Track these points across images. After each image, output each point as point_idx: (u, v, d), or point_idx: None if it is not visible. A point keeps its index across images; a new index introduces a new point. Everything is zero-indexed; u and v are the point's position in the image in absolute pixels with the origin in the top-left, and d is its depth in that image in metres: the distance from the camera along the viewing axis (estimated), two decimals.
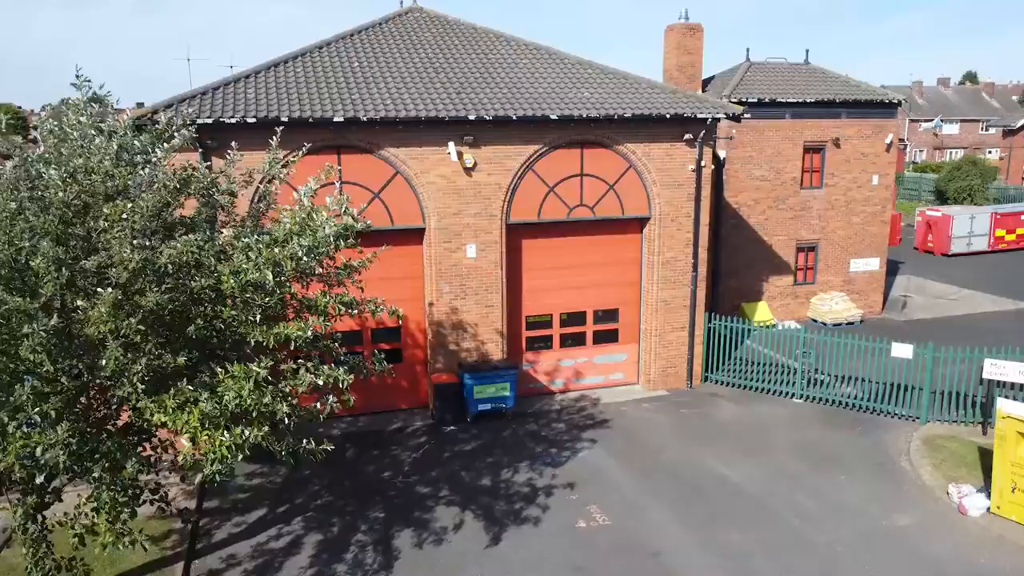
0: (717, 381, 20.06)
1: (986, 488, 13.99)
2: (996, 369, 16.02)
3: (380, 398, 18.27)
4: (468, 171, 17.15)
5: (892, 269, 31.30)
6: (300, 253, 9.33)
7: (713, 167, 20.41)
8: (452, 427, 17.42)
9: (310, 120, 15.55)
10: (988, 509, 13.59)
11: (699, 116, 18.01)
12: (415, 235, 17.57)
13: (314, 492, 14.93)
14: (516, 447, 16.49)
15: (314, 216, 9.97)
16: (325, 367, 9.75)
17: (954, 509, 13.87)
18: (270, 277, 8.83)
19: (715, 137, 20.11)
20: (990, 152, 59.18)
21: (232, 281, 8.70)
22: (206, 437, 8.12)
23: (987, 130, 61.26)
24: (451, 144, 16.79)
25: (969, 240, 35.59)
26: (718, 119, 18.22)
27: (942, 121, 60.69)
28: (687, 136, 18.26)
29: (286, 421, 8.78)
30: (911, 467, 15.60)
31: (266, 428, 8.54)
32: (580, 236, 18.77)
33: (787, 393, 19.25)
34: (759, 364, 20.59)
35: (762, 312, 24.71)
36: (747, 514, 13.88)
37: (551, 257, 18.71)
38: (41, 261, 8.07)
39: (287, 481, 15.33)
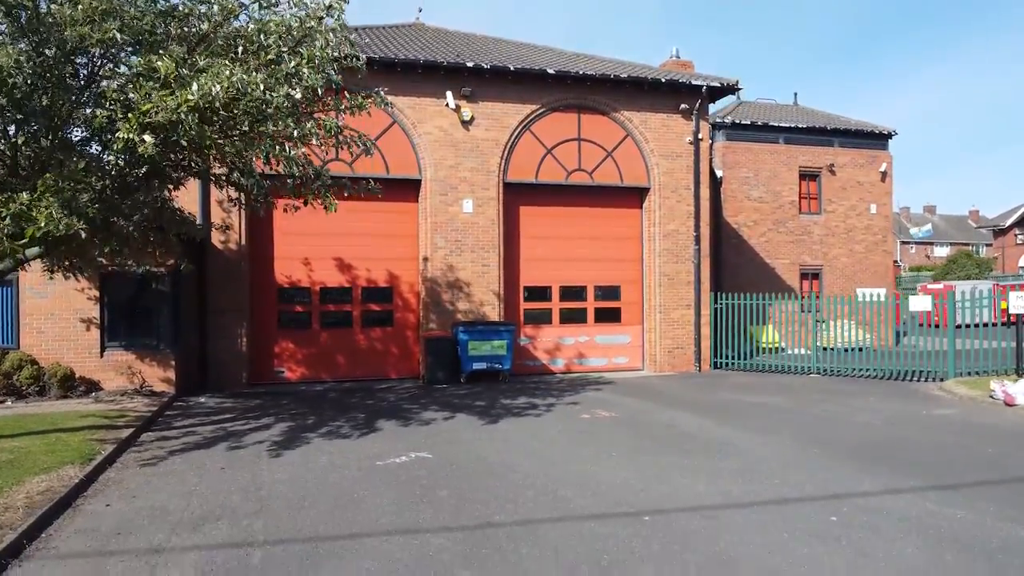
0: (728, 365, 18.86)
1: None
2: (1022, 302, 15.12)
3: (368, 365, 17.07)
4: (466, 124, 17.12)
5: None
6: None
7: (711, 182, 20.44)
8: (444, 385, 16.10)
9: None
10: None
11: (694, 83, 18.29)
12: (411, 188, 17.22)
13: (290, 407, 13.57)
14: (515, 393, 15.17)
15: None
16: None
17: (999, 402, 12.52)
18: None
19: (712, 141, 20.37)
20: (981, 251, 59.96)
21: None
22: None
23: (979, 229, 62.37)
24: (449, 94, 16.89)
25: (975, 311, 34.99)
26: (713, 87, 18.47)
27: (929, 233, 61.99)
28: (683, 107, 18.42)
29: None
30: (945, 392, 14.30)
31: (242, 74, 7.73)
32: (579, 207, 18.39)
33: (804, 368, 18.09)
34: (773, 349, 19.60)
35: (769, 335, 23.73)
36: (773, 417, 12.56)
37: (550, 226, 18.22)
38: None
39: (261, 405, 14.00)
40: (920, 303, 16.74)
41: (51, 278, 12.97)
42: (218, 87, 7.57)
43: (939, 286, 35.94)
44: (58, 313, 13.85)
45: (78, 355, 13.88)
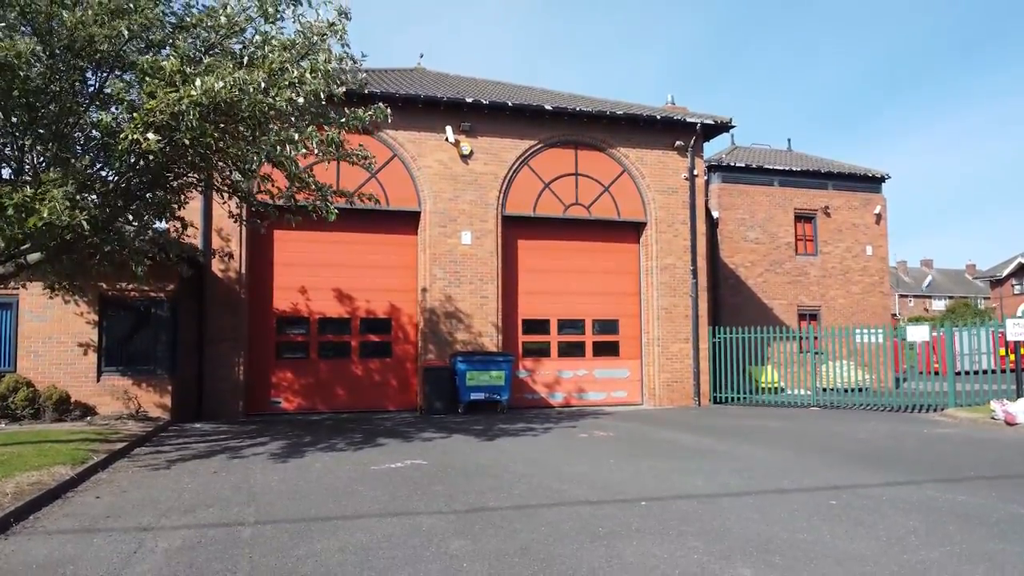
0: (728, 400, 18.73)
1: None
2: (1020, 328, 15.14)
3: (366, 396, 16.96)
4: (465, 158, 17.42)
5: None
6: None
7: (707, 224, 20.69)
8: (442, 415, 15.97)
9: None
10: None
11: (688, 120, 18.69)
12: (410, 220, 17.41)
13: (286, 430, 13.47)
14: (513, 420, 15.05)
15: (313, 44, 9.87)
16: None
17: (1000, 421, 12.42)
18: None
19: (708, 181, 20.69)
20: (980, 304, 59.92)
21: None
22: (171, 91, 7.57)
23: (976, 280, 62.42)
24: (449, 128, 17.24)
25: (975, 357, 34.89)
26: (708, 125, 18.86)
27: (928, 290, 62.15)
28: (678, 143, 18.78)
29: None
30: (946, 417, 14.19)
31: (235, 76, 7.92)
32: (577, 241, 18.55)
33: (804, 403, 17.99)
34: (773, 388, 19.51)
35: (769, 375, 23.63)
36: (772, 435, 12.46)
37: (547, 259, 18.34)
38: None
39: (258, 429, 13.90)
40: (918, 333, 16.74)
41: (51, 297, 13.04)
42: (221, 83, 7.78)
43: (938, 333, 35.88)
44: (56, 337, 13.85)
45: (75, 379, 13.82)
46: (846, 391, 23.53)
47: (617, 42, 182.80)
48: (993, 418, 12.69)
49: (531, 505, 6.76)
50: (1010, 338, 15.24)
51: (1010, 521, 5.93)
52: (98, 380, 13.99)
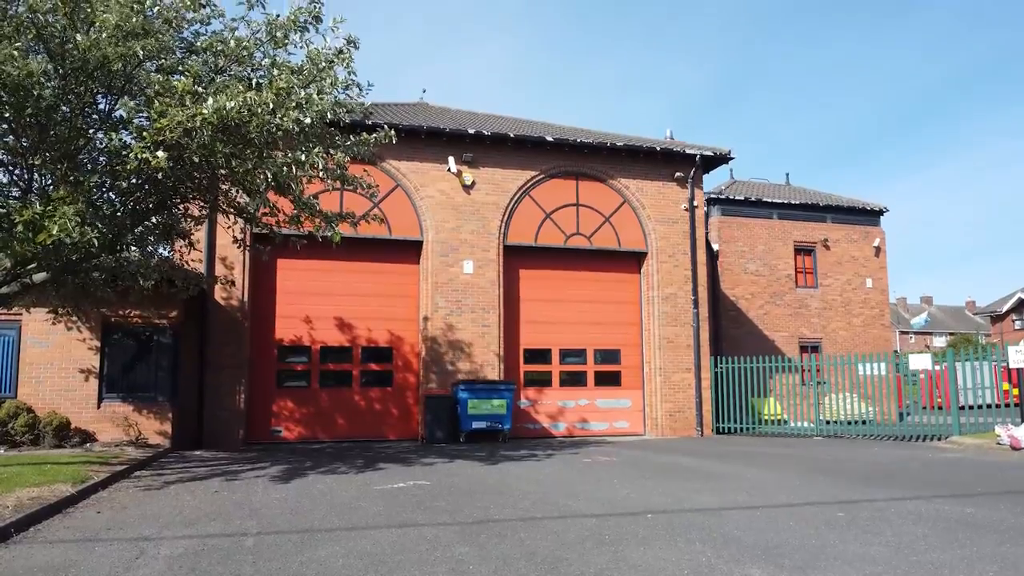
0: (731, 430, 18.61)
1: None
2: (1022, 356, 15.13)
3: (367, 425, 16.86)
4: (467, 188, 17.58)
5: None
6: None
7: (708, 256, 20.81)
8: (443, 444, 15.86)
9: None
10: None
11: (688, 152, 18.90)
12: (412, 250, 17.50)
13: (287, 456, 13.37)
14: (515, 447, 14.95)
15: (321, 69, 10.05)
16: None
17: (1006, 447, 12.34)
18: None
19: (707, 214, 20.86)
20: (981, 339, 59.69)
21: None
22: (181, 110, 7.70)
23: (976, 316, 62.38)
24: (451, 159, 17.43)
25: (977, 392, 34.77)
26: (707, 156, 19.07)
27: (927, 321, 62.12)
28: (678, 175, 18.97)
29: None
30: (951, 444, 14.10)
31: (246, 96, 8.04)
32: (578, 271, 18.62)
33: (808, 432, 17.88)
34: (776, 420, 19.42)
35: (772, 407, 23.52)
36: (777, 459, 12.38)
37: (549, 289, 18.39)
38: None
39: (259, 456, 13.80)
40: (921, 361, 16.71)
41: (54, 323, 13.09)
42: (232, 103, 7.91)
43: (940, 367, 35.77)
44: (58, 363, 13.82)
45: (75, 405, 13.76)
46: (849, 423, 23.40)
47: (616, 85, 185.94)
48: (999, 443, 12.62)
49: (536, 517, 6.71)
50: (1012, 366, 15.23)
51: (1019, 529, 5.88)
52: (98, 407, 13.93)
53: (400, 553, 5.37)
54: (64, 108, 8.65)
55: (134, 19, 8.05)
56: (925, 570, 4.69)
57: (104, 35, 8.18)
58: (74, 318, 13.51)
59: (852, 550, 5.23)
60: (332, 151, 10.07)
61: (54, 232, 7.64)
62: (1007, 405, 36.35)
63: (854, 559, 4.97)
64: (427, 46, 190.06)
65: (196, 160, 8.31)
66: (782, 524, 6.19)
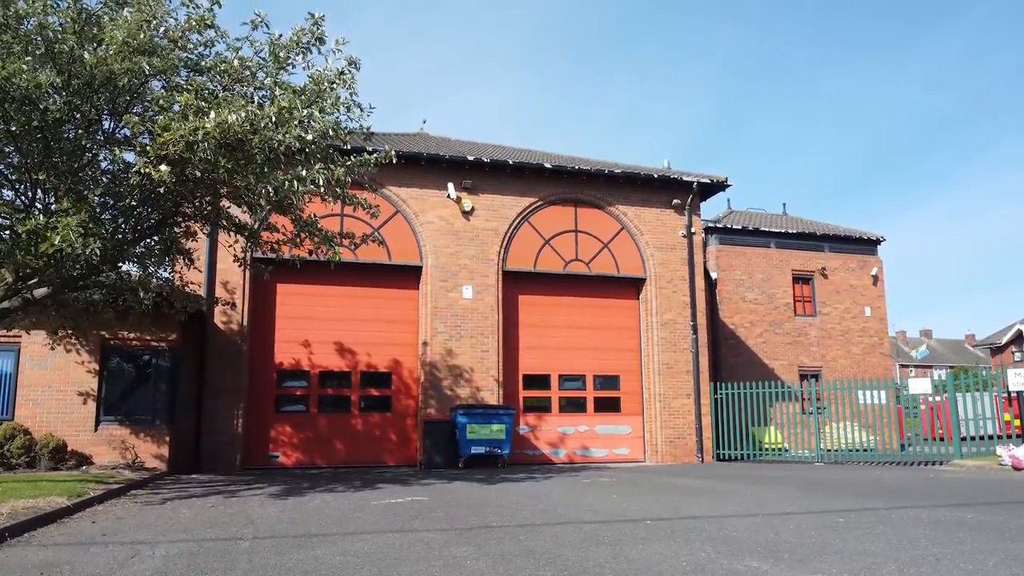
0: (731, 457, 18.48)
1: None
2: (1021, 379, 15.12)
3: (365, 450, 16.74)
4: (466, 215, 17.70)
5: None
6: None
7: (706, 284, 20.92)
8: (441, 469, 15.73)
9: None
10: None
11: (685, 179, 19.08)
12: (412, 275, 17.55)
13: (285, 478, 13.26)
14: (515, 471, 14.85)
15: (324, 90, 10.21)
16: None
17: (1007, 467, 12.27)
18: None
19: (705, 243, 20.99)
20: (982, 371, 59.52)
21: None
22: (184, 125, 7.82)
23: (975, 349, 62.31)
24: (451, 185, 17.59)
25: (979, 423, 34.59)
26: (704, 183, 19.24)
27: (927, 354, 61.95)
28: (675, 202, 19.12)
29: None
30: (953, 466, 14.01)
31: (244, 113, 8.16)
32: (577, 297, 18.66)
33: (809, 460, 17.77)
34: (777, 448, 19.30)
35: (772, 436, 23.38)
36: (778, 479, 12.32)
37: (548, 315, 18.41)
38: None
39: (257, 479, 13.69)
40: (921, 386, 16.67)
41: (53, 348, 13.13)
42: (234, 117, 8.04)
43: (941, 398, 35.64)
44: (56, 385, 13.79)
45: (72, 428, 13.68)
46: (850, 451, 23.22)
47: (616, 121, 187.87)
48: (1000, 464, 12.56)
49: (535, 524, 6.67)
50: (1011, 388, 15.20)
51: (1021, 530, 5.85)
52: (96, 429, 13.85)
53: (397, 552, 5.34)
54: (69, 125, 8.78)
55: (141, 35, 8.21)
56: (926, 561, 4.66)
57: (112, 51, 8.33)
58: (73, 340, 13.52)
59: (852, 546, 5.20)
60: (333, 166, 10.19)
61: (56, 242, 7.70)
62: (1009, 436, 36.13)
63: (854, 553, 4.94)
64: (427, 87, 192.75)
65: (198, 174, 8.41)
66: (782, 527, 6.16)
